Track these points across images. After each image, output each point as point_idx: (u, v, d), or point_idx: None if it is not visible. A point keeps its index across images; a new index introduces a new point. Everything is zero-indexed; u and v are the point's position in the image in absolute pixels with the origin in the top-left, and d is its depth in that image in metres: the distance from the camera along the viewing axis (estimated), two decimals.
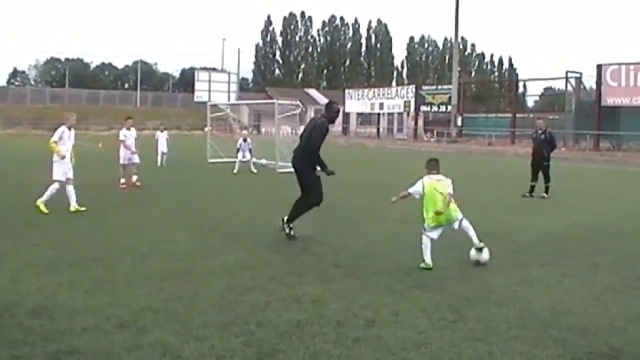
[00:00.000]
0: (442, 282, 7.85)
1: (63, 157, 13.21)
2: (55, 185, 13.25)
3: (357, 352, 5.46)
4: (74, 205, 13.26)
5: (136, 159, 18.67)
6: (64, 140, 13.31)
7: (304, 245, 10.10)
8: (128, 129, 18.79)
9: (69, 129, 13.48)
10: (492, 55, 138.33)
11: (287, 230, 10.47)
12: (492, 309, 6.76)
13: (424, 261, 8.59)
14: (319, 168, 10.63)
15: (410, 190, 9.09)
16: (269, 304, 6.76)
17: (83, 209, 13.23)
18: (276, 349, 5.49)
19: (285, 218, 10.59)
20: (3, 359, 5.20)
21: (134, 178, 18.48)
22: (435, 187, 8.83)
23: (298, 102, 29.56)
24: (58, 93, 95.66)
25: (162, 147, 27.34)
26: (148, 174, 20.78)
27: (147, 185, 18.44)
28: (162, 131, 28.03)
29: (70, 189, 13.37)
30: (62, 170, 13.26)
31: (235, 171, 23.68)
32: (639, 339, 5.94)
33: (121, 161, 18.56)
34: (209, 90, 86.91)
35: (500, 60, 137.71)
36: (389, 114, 74.48)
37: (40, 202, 13.17)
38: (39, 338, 5.65)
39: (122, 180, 18.12)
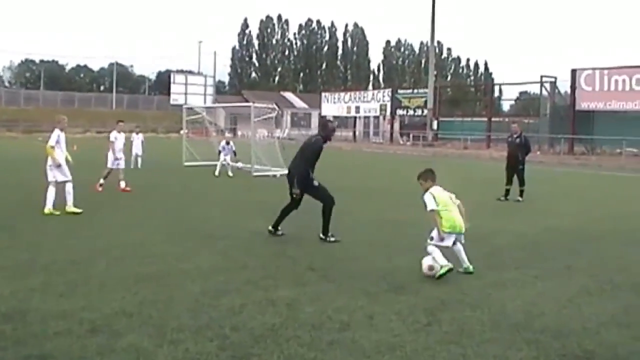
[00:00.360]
0: (417, 285, 7.87)
1: (59, 166, 13.27)
2: (69, 185, 13.37)
3: (332, 355, 5.46)
4: (48, 208, 13.13)
5: (122, 163, 18.50)
6: (60, 143, 13.38)
7: (279, 248, 10.09)
8: (119, 132, 18.68)
9: (62, 131, 13.53)
10: (467, 60, 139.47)
11: (331, 239, 10.60)
12: (466, 311, 6.79)
13: (440, 266, 8.14)
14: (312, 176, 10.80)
15: (431, 209, 8.49)
16: (243, 307, 6.74)
17: (57, 213, 13.09)
18: (251, 352, 5.47)
19: (321, 234, 10.70)
20: None
21: (122, 184, 18.19)
22: (443, 195, 8.63)
23: (274, 105, 29.56)
24: (33, 95, 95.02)
25: (137, 149, 27.25)
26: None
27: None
28: (137, 133, 27.92)
29: (52, 192, 13.26)
30: (62, 171, 13.36)
31: (217, 173, 23.62)
32: (612, 341, 5.99)
33: (109, 164, 18.29)
34: (185, 93, 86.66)
35: (476, 65, 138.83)
36: (365, 117, 74.83)
37: (68, 208, 13.25)
38: (11, 342, 5.58)
39: (101, 182, 17.97)
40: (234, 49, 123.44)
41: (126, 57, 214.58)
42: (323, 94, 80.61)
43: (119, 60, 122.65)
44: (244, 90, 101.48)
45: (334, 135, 11.46)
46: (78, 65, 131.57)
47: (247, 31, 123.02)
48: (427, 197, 8.55)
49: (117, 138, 18.47)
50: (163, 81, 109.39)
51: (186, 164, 28.42)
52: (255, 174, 24.46)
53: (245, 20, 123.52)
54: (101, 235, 10.97)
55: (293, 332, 5.98)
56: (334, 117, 78.08)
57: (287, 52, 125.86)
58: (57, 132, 13.43)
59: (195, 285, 7.61)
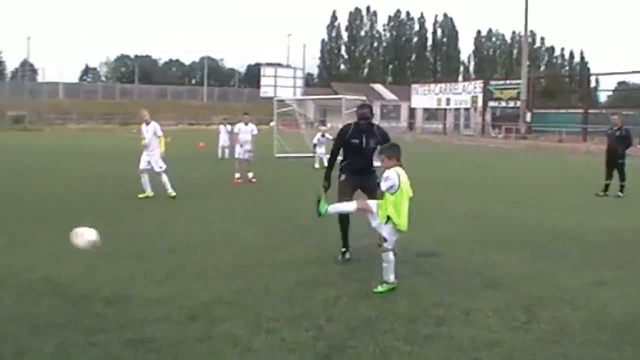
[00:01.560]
0: (513, 281, 7.70)
1: (144, 147, 14.90)
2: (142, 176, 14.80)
3: (428, 349, 5.41)
4: (169, 192, 14.62)
5: (250, 155, 19.09)
6: (143, 134, 14.98)
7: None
8: (246, 124, 19.44)
9: (147, 124, 14.91)
10: (562, 49, 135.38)
11: (344, 256, 8.98)
12: (565, 310, 6.60)
13: (385, 282, 7.22)
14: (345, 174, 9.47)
15: (390, 186, 7.18)
16: (338, 299, 6.77)
17: (151, 194, 14.66)
18: (346, 344, 5.48)
19: None
20: (80, 345, 5.35)
21: (250, 174, 18.73)
22: (405, 180, 7.32)
23: (364, 98, 29.48)
24: (128, 89, 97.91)
25: (223, 141, 27.91)
26: (211, 168, 21.11)
27: (211, 179, 18.74)
28: (225, 125, 28.49)
29: (164, 179, 14.76)
30: (141, 160, 14.84)
31: (317, 166, 23.81)
32: None
33: (236, 155, 19.29)
34: (275, 86, 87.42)
35: (571, 54, 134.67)
36: (455, 109, 73.70)
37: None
38: (114, 326, 5.80)
39: (237, 175, 18.62)
40: (323, 41, 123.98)
41: (216, 51, 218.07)
42: (413, 86, 79.85)
43: (210, 55, 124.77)
44: (333, 83, 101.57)
45: (364, 122, 8.76)
46: (170, 60, 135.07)
47: (335, 23, 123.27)
48: (392, 175, 7.19)
49: (241, 130, 19.30)
50: (253, 74, 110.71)
51: (277, 155, 28.74)
52: None
53: (334, 12, 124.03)
54: (196, 225, 11.24)
55: (389, 325, 5.95)
56: (424, 109, 77.53)
57: (376, 44, 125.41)
58: (141, 126, 15.35)
59: (290, 276, 7.69)
